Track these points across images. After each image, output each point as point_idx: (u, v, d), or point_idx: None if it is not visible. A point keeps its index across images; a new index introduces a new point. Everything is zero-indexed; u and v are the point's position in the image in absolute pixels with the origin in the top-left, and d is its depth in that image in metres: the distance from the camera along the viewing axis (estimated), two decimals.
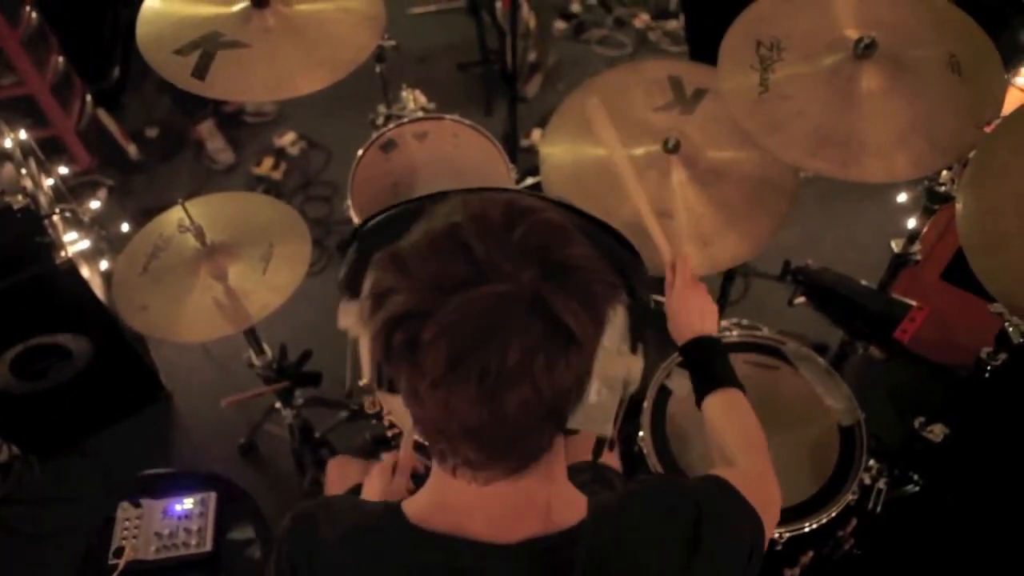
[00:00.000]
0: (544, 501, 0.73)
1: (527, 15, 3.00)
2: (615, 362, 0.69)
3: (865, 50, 1.37)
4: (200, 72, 1.37)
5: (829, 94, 1.39)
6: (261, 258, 1.47)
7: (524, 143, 2.95)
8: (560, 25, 3.56)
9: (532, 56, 3.13)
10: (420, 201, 0.78)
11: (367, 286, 0.68)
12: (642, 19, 3.54)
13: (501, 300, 0.61)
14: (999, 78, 1.42)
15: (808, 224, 2.63)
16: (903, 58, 1.40)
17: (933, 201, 1.55)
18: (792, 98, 1.39)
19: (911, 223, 1.69)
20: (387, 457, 1.14)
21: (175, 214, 1.54)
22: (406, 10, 3.62)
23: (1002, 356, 1.49)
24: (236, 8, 1.47)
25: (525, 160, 2.81)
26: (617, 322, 0.70)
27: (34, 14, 2.85)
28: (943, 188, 1.52)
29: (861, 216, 2.68)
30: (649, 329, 0.84)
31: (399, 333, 0.62)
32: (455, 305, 0.60)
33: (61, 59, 2.99)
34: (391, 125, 1.73)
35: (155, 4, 1.53)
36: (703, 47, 2.58)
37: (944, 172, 1.51)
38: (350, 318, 0.87)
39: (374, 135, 1.73)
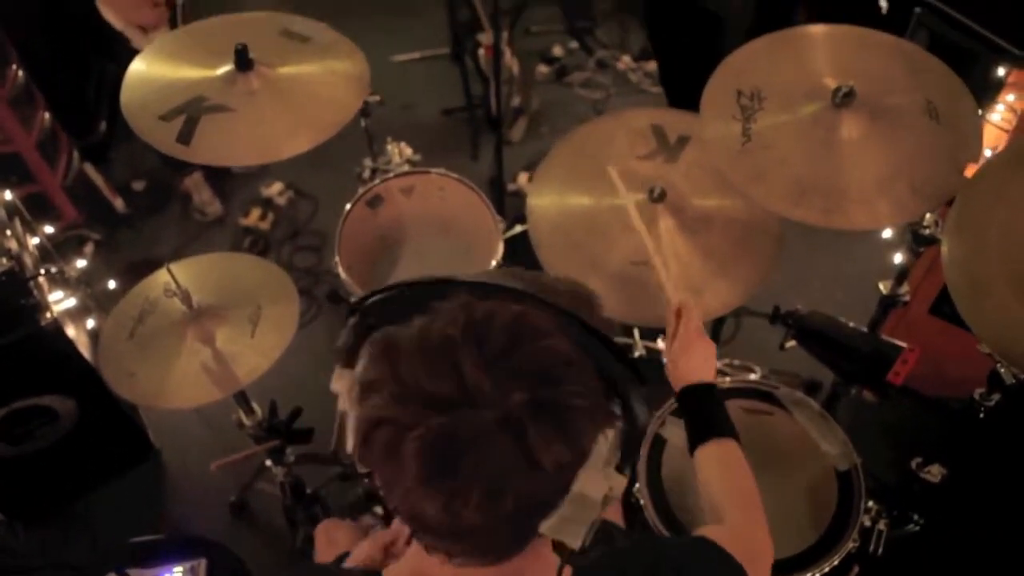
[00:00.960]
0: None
1: (510, 61, 3.04)
2: (597, 481, 0.67)
3: (844, 99, 1.39)
4: (185, 137, 1.38)
5: (810, 143, 1.41)
6: (249, 320, 1.46)
7: (511, 187, 2.97)
8: (543, 69, 3.61)
9: (516, 101, 3.17)
10: (426, 287, 0.77)
11: (359, 366, 0.68)
12: (624, 61, 3.60)
13: (478, 428, 0.61)
14: (975, 123, 1.44)
15: (795, 263, 2.65)
16: (881, 106, 1.42)
17: (918, 243, 1.57)
18: (774, 147, 1.41)
19: (898, 259, 1.70)
20: (381, 534, 1.13)
21: (161, 277, 1.54)
22: (390, 58, 3.66)
23: (995, 397, 1.50)
24: (220, 72, 1.48)
25: (512, 204, 2.83)
26: (605, 445, 0.68)
27: (20, 72, 2.86)
28: (927, 231, 1.54)
29: (848, 253, 2.70)
30: (644, 383, 0.83)
31: (380, 434, 0.63)
32: (435, 424, 0.60)
33: (47, 116, 3.00)
34: (377, 180, 1.74)
35: (140, 68, 1.54)
36: (677, 91, 2.65)
37: (927, 215, 1.52)
38: (342, 385, 0.87)
39: (361, 190, 1.73)
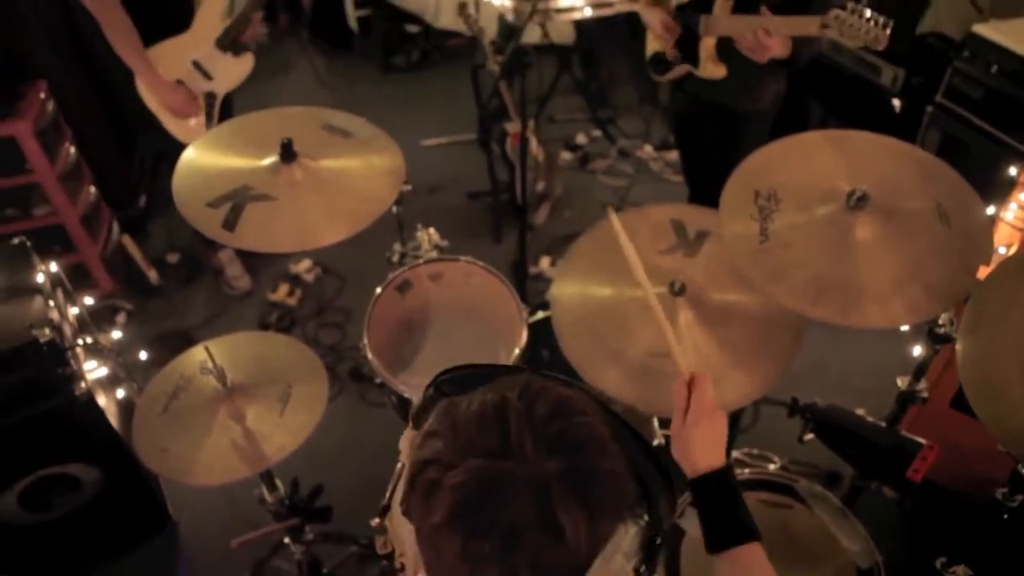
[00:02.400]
0: None
1: (535, 149, 3.17)
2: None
3: (858, 202, 1.45)
4: (230, 224, 1.46)
5: (827, 243, 1.46)
6: (279, 399, 1.51)
7: (533, 270, 3.04)
8: (566, 156, 3.75)
9: (540, 186, 3.28)
10: (496, 368, 0.87)
11: (425, 425, 0.76)
12: (645, 150, 3.73)
13: (511, 479, 0.67)
14: (985, 227, 1.49)
15: (814, 351, 2.66)
16: (894, 209, 1.48)
17: (935, 342, 1.59)
18: (792, 247, 1.46)
19: (916, 352, 1.72)
20: None
21: (197, 354, 1.60)
22: (419, 142, 3.83)
23: (1019, 498, 1.49)
24: (266, 162, 1.58)
25: (534, 287, 2.90)
26: (625, 540, 0.72)
27: (72, 149, 3.03)
28: (943, 329, 1.56)
29: (867, 343, 2.72)
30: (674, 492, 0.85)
31: (425, 474, 0.70)
32: (471, 467, 0.67)
33: (93, 190, 3.16)
34: (407, 267, 1.81)
35: (191, 156, 1.65)
36: (700, 184, 2.73)
37: (943, 314, 1.56)
38: (406, 443, 0.94)
39: (391, 275, 1.80)
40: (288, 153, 1.54)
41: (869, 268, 1.43)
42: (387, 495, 0.96)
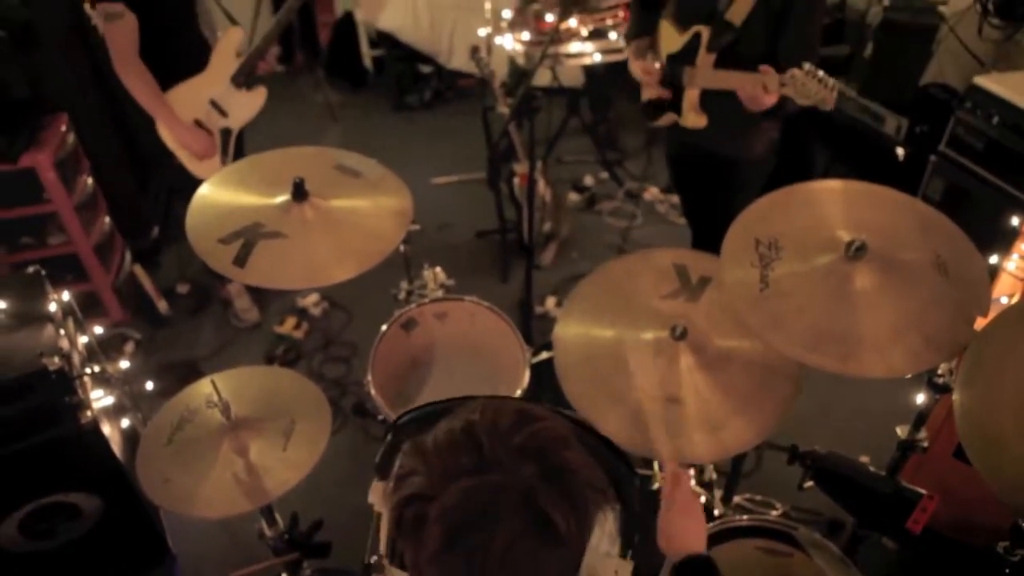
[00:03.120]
0: None
1: (543, 189, 3.21)
2: (604, 563, 0.76)
3: (856, 252, 1.48)
4: (241, 260, 1.50)
5: (826, 292, 1.48)
6: (282, 434, 1.52)
7: (539, 310, 3.07)
8: (574, 197, 3.80)
9: (547, 226, 3.32)
10: (450, 402, 0.90)
11: (393, 472, 0.78)
12: (651, 192, 3.78)
13: (496, 489, 0.70)
14: (983, 278, 1.51)
15: (817, 395, 2.67)
16: (893, 259, 1.50)
17: (935, 391, 1.60)
18: (791, 295, 1.48)
19: (920, 399, 1.72)
20: None
21: (204, 387, 1.62)
22: (430, 180, 3.89)
23: (1020, 553, 1.48)
24: (278, 200, 1.62)
25: (539, 326, 2.92)
26: (607, 526, 0.77)
27: (89, 180, 3.10)
28: (942, 379, 1.57)
29: (869, 386, 2.71)
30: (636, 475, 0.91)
31: (410, 510, 0.72)
32: (456, 489, 0.70)
33: (107, 220, 3.22)
34: (412, 305, 1.84)
35: (205, 193, 1.69)
36: (702, 229, 2.76)
37: (943, 364, 1.57)
38: (377, 496, 0.97)
39: (397, 313, 1.83)
40: (300, 192, 1.58)
41: (868, 318, 1.45)
42: (367, 555, 0.98)
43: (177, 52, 2.56)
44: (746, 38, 2.11)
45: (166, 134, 2.58)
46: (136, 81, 2.45)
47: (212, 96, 2.63)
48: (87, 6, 2.94)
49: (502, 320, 1.80)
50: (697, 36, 2.18)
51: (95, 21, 2.81)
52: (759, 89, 1.98)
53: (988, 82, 2.71)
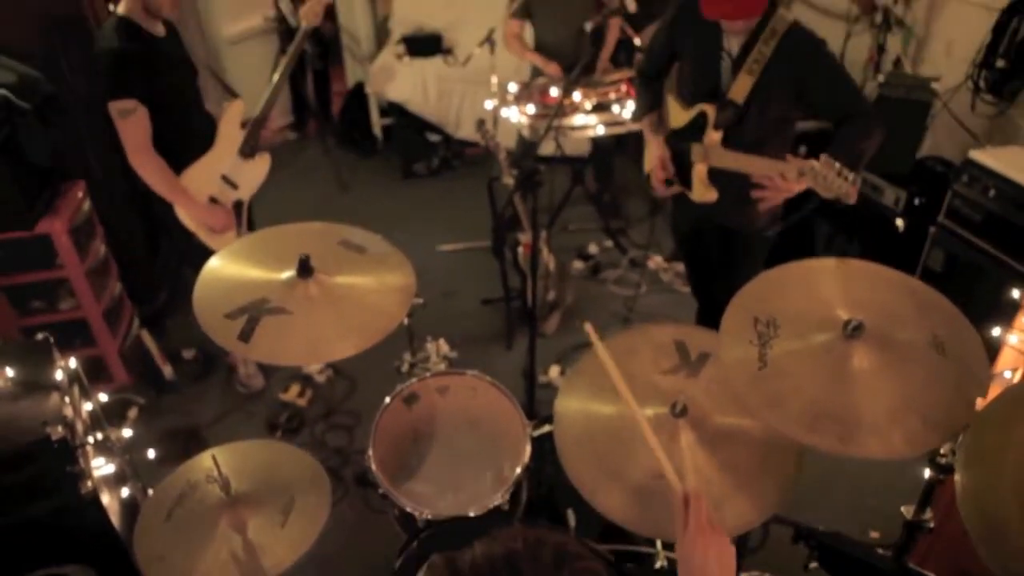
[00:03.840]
0: None
1: (547, 258, 3.26)
2: None
3: (853, 332, 1.49)
4: (245, 335, 1.52)
5: (824, 371, 1.49)
6: (281, 510, 1.52)
7: (542, 379, 3.07)
8: (578, 265, 3.84)
9: (551, 295, 3.35)
10: (479, 520, 0.92)
11: None
12: (655, 261, 3.82)
13: None
14: (980, 357, 1.51)
15: (820, 468, 2.63)
16: (890, 339, 1.51)
17: (937, 471, 1.59)
18: (790, 374, 1.49)
19: (927, 473, 1.70)
20: None
21: (205, 460, 1.62)
22: (436, 247, 3.95)
23: None
24: (284, 276, 1.66)
25: (543, 395, 2.91)
26: None
27: (103, 247, 3.16)
28: (944, 460, 1.56)
29: (876, 461, 2.69)
30: None
31: None
32: None
33: (118, 285, 3.27)
34: (415, 379, 1.86)
35: (215, 266, 1.74)
36: (707, 300, 2.79)
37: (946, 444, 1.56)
38: None
39: (399, 387, 1.84)
40: (305, 269, 1.62)
41: (866, 397, 1.45)
42: None
43: (188, 133, 2.64)
44: (749, 115, 2.18)
45: (185, 216, 2.64)
46: (152, 172, 2.52)
47: (223, 171, 2.71)
48: None
49: (503, 395, 1.82)
50: (703, 114, 2.25)
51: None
52: (776, 176, 2.01)
53: (983, 156, 2.77)
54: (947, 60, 3.30)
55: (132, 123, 2.42)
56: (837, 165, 1.87)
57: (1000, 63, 2.97)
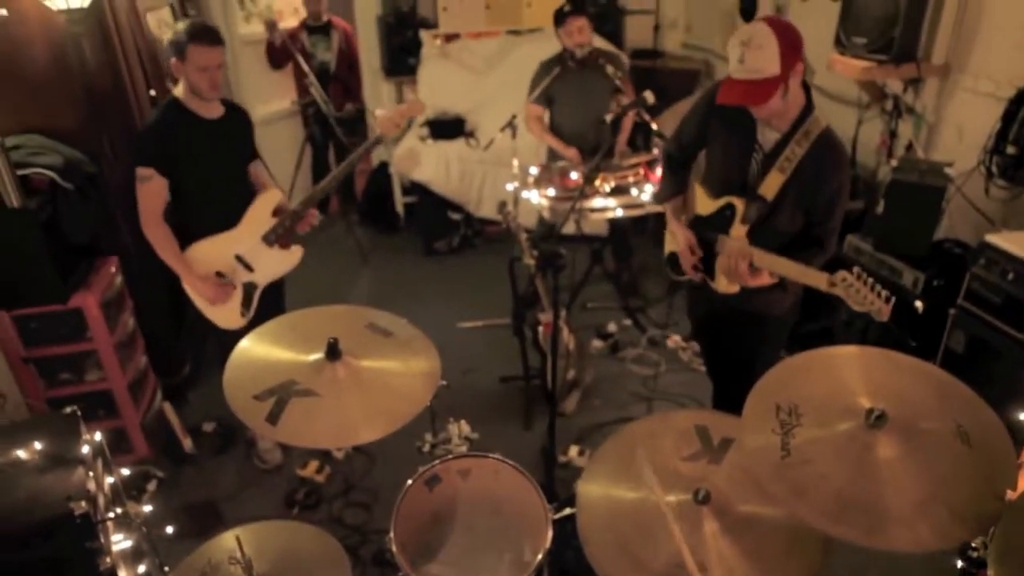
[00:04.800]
0: None
1: (567, 338, 3.28)
2: None
3: (876, 421, 1.49)
4: (273, 418, 1.55)
5: (848, 460, 1.48)
6: None
7: (562, 459, 3.05)
8: (597, 344, 3.85)
9: (571, 374, 3.36)
10: None
11: None
12: (674, 339, 3.83)
13: None
14: (1007, 449, 1.50)
15: (851, 556, 2.57)
16: (914, 428, 1.51)
17: (970, 566, 1.55)
18: (813, 463, 1.49)
19: (959, 565, 1.66)
20: None
21: (227, 540, 1.63)
22: (456, 324, 3.99)
23: None
24: (312, 358, 1.70)
25: (562, 476, 2.89)
26: None
27: (131, 320, 3.24)
28: (976, 554, 1.53)
29: None
30: None
31: None
32: None
33: (144, 358, 3.32)
34: (437, 461, 1.86)
35: (245, 347, 1.78)
36: (723, 384, 2.79)
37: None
38: None
39: (421, 469, 1.85)
40: (333, 352, 1.65)
41: (892, 488, 1.44)
42: None
43: (211, 208, 2.75)
44: (778, 212, 2.20)
45: (187, 286, 2.76)
46: (154, 238, 2.67)
47: (239, 251, 2.78)
48: None
49: (525, 478, 1.81)
50: (730, 206, 2.27)
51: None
52: (813, 281, 2.01)
53: (1000, 240, 2.79)
54: (959, 145, 3.37)
55: (147, 190, 2.58)
56: (871, 280, 1.87)
57: (1011, 149, 3.02)
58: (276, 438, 1.57)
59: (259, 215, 2.81)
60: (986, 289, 2.84)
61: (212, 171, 2.71)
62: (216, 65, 2.55)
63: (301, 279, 3.39)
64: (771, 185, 2.16)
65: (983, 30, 3.18)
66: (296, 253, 2.88)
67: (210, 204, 2.74)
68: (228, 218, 2.78)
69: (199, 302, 2.78)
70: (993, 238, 2.82)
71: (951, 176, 3.19)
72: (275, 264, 2.86)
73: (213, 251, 2.74)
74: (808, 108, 2.15)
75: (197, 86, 2.57)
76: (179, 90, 2.63)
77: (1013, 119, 3.00)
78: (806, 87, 2.16)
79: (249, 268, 2.81)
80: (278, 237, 2.82)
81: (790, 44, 1.98)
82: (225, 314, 2.80)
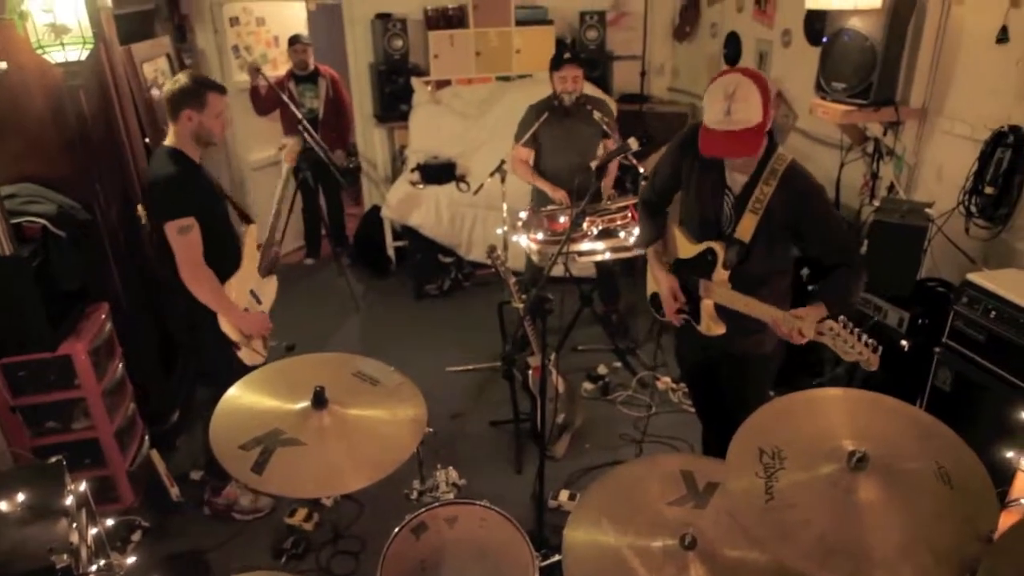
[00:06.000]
0: None
1: (556, 381, 3.29)
2: None
3: (858, 463, 1.51)
4: (259, 468, 1.56)
5: (831, 503, 1.49)
6: None
7: (552, 503, 3.03)
8: (588, 386, 3.86)
9: (561, 417, 3.36)
10: None
11: None
12: (664, 381, 3.84)
13: None
14: (988, 489, 1.52)
15: None
16: (895, 470, 1.53)
17: None
18: (797, 506, 1.50)
19: None
20: None
21: None
22: (445, 367, 3.99)
23: None
24: (298, 407, 1.71)
25: (552, 520, 2.87)
26: None
27: (120, 367, 3.23)
28: None
29: None
30: None
31: None
32: None
33: (132, 406, 3.30)
34: (423, 509, 1.86)
35: (234, 395, 1.79)
36: (713, 427, 2.80)
37: None
38: None
39: (408, 517, 1.85)
40: (320, 400, 1.67)
41: (875, 531, 1.45)
42: None
43: (227, 250, 2.83)
44: (754, 254, 2.24)
45: (229, 327, 2.76)
46: (203, 283, 2.67)
47: (251, 286, 2.90)
48: (139, 208, 3.26)
49: (512, 525, 1.81)
50: (711, 251, 2.31)
51: (143, 219, 3.11)
52: (791, 331, 2.02)
53: (981, 279, 2.84)
54: (939, 185, 3.44)
55: (189, 240, 2.60)
56: (857, 331, 1.89)
57: (989, 190, 3.09)
58: (262, 489, 1.57)
59: (251, 250, 2.92)
60: (970, 327, 2.88)
61: (221, 212, 2.82)
62: (225, 111, 2.69)
63: (293, 323, 3.41)
64: (746, 227, 2.21)
65: (958, 75, 3.28)
66: (274, 279, 3.04)
67: (227, 245, 2.83)
68: (238, 256, 2.87)
69: (244, 350, 2.83)
70: (975, 277, 2.87)
71: (932, 216, 3.26)
72: (271, 293, 3.00)
73: (238, 288, 2.82)
74: (771, 147, 2.20)
75: (211, 132, 2.67)
76: (174, 139, 2.68)
77: (989, 160, 3.08)
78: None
79: (259, 300, 2.94)
80: (267, 269, 2.93)
81: (767, 92, 2.05)
82: (253, 352, 2.87)
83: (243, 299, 2.85)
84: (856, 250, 2.26)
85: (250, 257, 2.91)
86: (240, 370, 2.58)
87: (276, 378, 1.84)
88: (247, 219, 3.04)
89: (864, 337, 1.89)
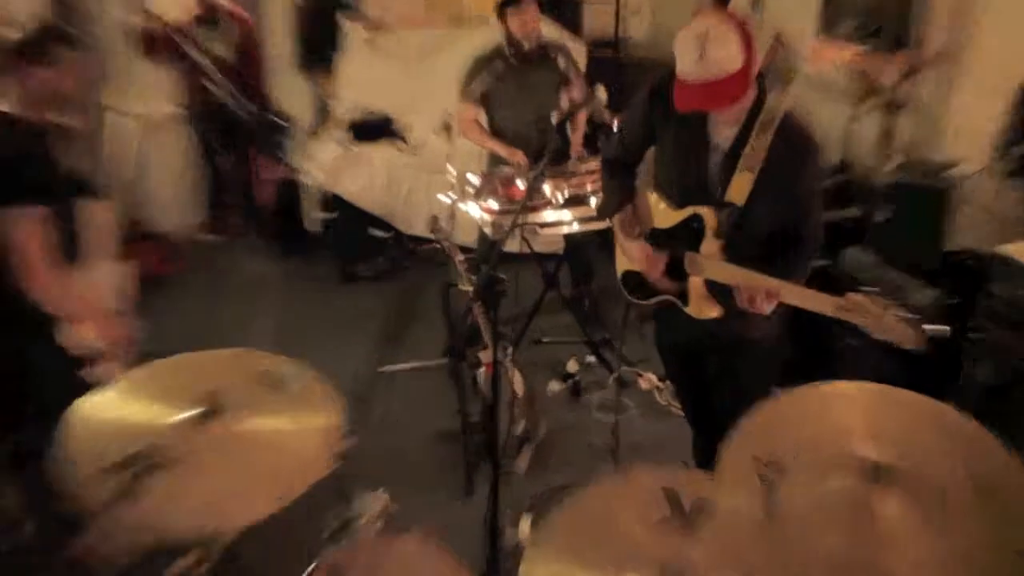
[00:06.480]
0: None
1: (514, 381, 3.23)
2: None
3: (877, 474, 1.48)
4: (126, 497, 1.46)
5: (842, 522, 1.47)
6: None
7: (510, 532, 2.96)
8: (555, 387, 3.82)
9: (520, 426, 3.31)
10: None
11: None
12: (648, 379, 3.81)
13: None
14: None
15: None
16: (921, 481, 1.50)
17: None
18: (802, 527, 1.47)
19: None
20: None
21: None
22: (377, 366, 3.91)
23: None
24: (181, 418, 1.62)
25: (513, 551, 2.80)
26: None
27: None
28: None
29: None
30: None
31: None
32: None
33: None
34: (336, 548, 1.80)
35: (95, 401, 1.69)
36: (703, 428, 2.78)
37: None
38: None
39: (316, 561, 1.78)
40: (210, 409, 1.59)
41: (898, 556, 1.42)
42: None
43: None
44: (751, 217, 2.21)
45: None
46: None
47: None
48: None
49: (453, 562, 1.75)
50: (696, 217, 2.28)
51: None
52: (816, 305, 2.01)
53: (1016, 252, 2.87)
54: (963, 143, 3.48)
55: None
56: (884, 302, 1.88)
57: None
58: (130, 523, 1.48)
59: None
60: (1011, 309, 2.90)
61: None
62: None
63: (188, 314, 3.27)
64: (740, 188, 2.18)
65: (989, 14, 3.31)
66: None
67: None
68: None
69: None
70: (1009, 249, 2.90)
71: (962, 176, 3.28)
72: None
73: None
74: (761, 93, 2.20)
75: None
76: None
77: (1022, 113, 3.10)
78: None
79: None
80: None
81: (746, 33, 2.05)
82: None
83: None
84: (820, 224, 2.32)
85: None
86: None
87: (154, 383, 1.75)
88: None
89: (898, 311, 1.87)
